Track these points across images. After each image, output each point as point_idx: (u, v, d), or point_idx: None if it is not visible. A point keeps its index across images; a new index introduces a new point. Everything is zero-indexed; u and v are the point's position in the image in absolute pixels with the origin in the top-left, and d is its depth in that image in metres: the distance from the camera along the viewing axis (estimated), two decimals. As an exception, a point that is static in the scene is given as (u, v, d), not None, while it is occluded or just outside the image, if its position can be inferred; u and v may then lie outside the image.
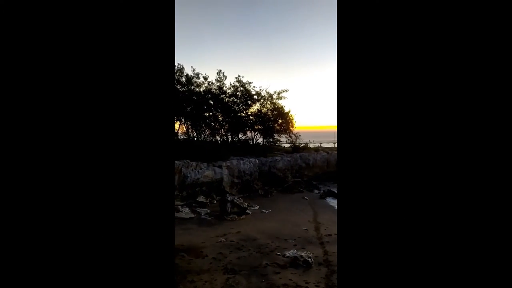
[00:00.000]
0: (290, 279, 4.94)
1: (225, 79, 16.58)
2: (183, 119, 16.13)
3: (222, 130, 16.91)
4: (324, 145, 22.17)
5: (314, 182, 15.11)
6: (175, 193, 10.67)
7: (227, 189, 12.35)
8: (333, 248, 6.41)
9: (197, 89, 16.09)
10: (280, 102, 17.48)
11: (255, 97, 16.89)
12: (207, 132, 16.66)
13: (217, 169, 12.43)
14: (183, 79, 15.66)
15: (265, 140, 17.78)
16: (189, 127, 16.61)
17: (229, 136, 17.20)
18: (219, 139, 17.03)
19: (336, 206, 11.17)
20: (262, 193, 12.98)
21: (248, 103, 16.80)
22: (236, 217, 9.05)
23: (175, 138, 15.26)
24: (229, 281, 4.85)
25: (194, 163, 11.85)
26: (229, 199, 9.58)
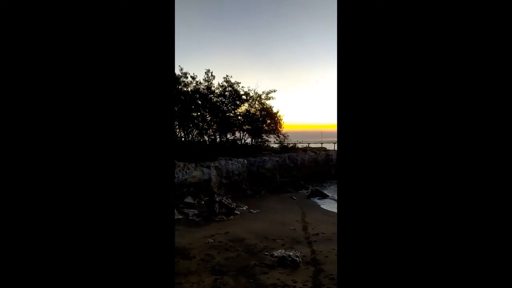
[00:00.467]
0: (278, 279, 4.96)
1: (213, 78, 16.50)
2: (170, 119, 15.88)
3: (210, 130, 16.80)
4: (312, 145, 22.43)
5: (302, 182, 15.24)
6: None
7: (215, 189, 12.28)
8: (320, 247, 6.49)
9: (185, 89, 15.92)
10: (269, 103, 17.55)
11: (244, 97, 16.88)
12: (195, 132, 16.50)
13: (205, 170, 12.33)
14: (171, 78, 15.43)
15: (253, 140, 17.79)
16: (177, 127, 16.41)
17: (218, 136, 17.10)
18: (207, 139, 16.90)
19: (322, 205, 11.32)
20: (251, 193, 12.98)
21: (236, 103, 16.77)
22: (224, 217, 9.00)
23: None
24: (217, 282, 4.82)
25: (181, 164, 11.71)
26: (217, 199, 9.52)
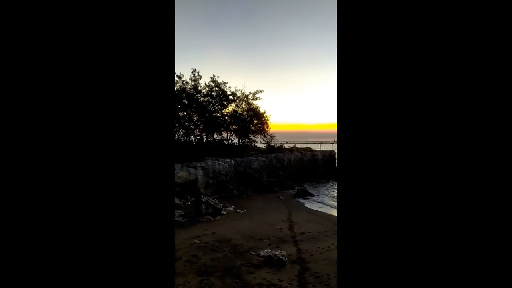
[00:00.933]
0: (264, 278, 4.99)
1: (200, 78, 16.38)
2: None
3: (197, 130, 16.66)
4: (298, 145, 22.66)
5: (288, 182, 15.38)
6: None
7: (202, 190, 12.19)
8: (306, 246, 6.58)
9: (171, 88, 15.68)
10: (256, 103, 17.60)
11: (231, 97, 16.85)
12: (181, 132, 16.31)
13: (192, 170, 12.21)
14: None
15: (240, 140, 17.78)
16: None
17: (204, 136, 16.98)
18: (193, 139, 16.74)
19: (308, 205, 11.47)
20: (238, 193, 12.97)
21: (223, 103, 16.71)
22: (211, 218, 8.95)
23: None
24: (203, 283, 4.79)
25: (167, 164, 11.53)
26: (203, 200, 9.45)
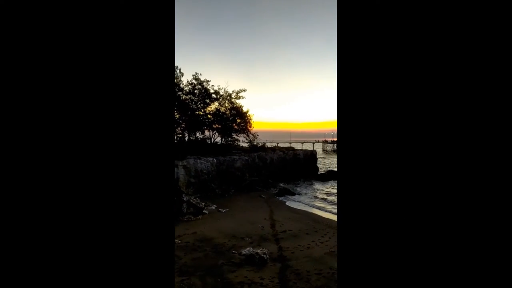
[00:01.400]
0: (246, 276, 5.01)
1: (182, 75, 16.09)
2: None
3: (179, 128, 16.36)
4: (280, 145, 22.88)
5: (271, 181, 15.49)
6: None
7: (183, 189, 12.00)
8: (287, 244, 6.67)
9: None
10: (239, 102, 17.57)
11: (214, 95, 16.70)
12: (162, 130, 15.94)
13: (173, 169, 12.00)
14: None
15: (223, 139, 17.67)
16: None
17: (186, 135, 16.72)
18: (175, 137, 16.44)
19: (289, 203, 11.63)
20: (220, 192, 12.90)
21: (206, 101, 16.52)
22: (192, 217, 8.85)
23: None
24: (183, 283, 4.74)
25: (147, 163, 11.26)
26: (185, 199, 9.32)
